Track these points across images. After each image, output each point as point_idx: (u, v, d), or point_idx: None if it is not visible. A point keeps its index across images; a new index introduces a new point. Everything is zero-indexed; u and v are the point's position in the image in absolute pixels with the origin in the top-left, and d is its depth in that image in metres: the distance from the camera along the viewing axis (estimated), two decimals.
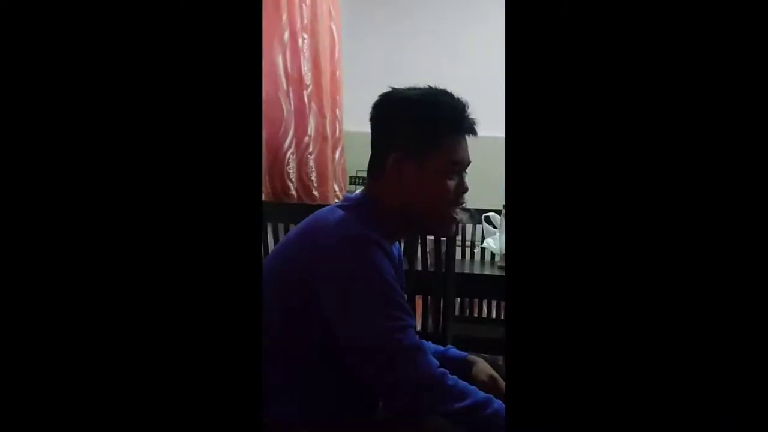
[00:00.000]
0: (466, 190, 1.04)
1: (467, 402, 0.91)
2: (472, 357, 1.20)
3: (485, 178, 3.00)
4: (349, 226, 0.95)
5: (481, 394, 0.94)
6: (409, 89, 1.03)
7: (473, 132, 1.03)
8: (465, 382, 0.94)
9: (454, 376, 0.94)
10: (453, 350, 1.22)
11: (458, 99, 1.02)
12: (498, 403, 0.93)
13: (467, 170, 1.05)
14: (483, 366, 1.16)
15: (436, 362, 0.94)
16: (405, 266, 1.58)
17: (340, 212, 0.99)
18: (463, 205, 1.05)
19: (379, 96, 1.04)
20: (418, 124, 1.00)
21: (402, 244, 1.61)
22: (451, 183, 1.01)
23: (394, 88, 1.05)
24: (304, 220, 1.03)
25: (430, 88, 1.03)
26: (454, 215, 1.04)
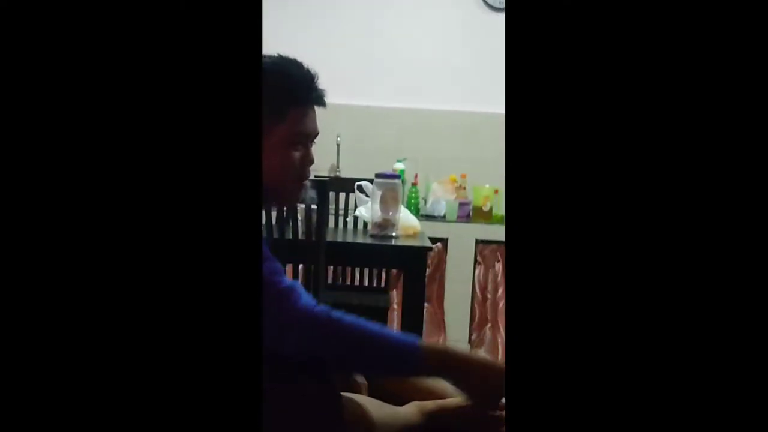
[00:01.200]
0: (311, 161, 1.04)
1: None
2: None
3: (358, 147, 3.04)
4: None
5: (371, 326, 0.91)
6: None
7: (322, 103, 1.03)
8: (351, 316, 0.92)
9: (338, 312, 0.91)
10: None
11: (307, 69, 1.01)
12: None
13: (315, 141, 1.05)
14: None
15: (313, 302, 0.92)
16: (276, 234, 1.57)
17: None
18: (309, 177, 1.04)
19: None
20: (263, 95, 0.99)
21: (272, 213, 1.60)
22: (296, 154, 1.01)
23: None
24: None
25: (280, 57, 1.01)
26: (299, 187, 1.04)
